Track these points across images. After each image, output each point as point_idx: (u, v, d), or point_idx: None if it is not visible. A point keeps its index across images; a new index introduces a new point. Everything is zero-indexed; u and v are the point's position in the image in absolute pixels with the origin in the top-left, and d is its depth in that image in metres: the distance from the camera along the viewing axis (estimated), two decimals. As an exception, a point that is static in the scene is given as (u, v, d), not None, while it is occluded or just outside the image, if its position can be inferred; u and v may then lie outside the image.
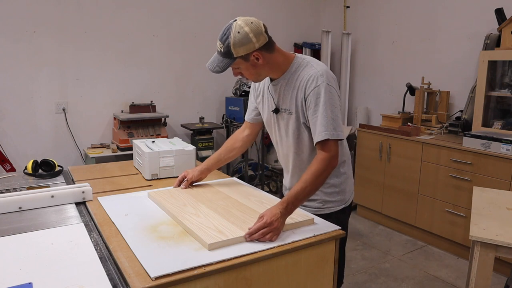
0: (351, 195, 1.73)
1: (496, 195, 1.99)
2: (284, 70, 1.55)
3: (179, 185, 1.75)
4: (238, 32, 1.39)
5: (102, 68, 3.56)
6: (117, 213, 1.48)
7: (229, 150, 1.84)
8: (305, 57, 1.57)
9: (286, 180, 1.80)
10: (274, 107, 1.62)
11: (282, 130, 1.64)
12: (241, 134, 1.85)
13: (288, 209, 1.35)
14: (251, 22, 1.41)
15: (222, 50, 1.43)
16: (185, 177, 1.77)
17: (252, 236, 1.25)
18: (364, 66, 4.44)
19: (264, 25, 1.45)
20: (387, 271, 2.90)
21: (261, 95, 1.71)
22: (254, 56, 1.44)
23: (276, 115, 1.63)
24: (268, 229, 1.26)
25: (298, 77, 1.52)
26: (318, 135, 1.46)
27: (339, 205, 1.67)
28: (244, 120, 1.87)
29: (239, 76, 1.57)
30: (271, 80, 1.61)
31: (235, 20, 1.42)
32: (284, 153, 1.70)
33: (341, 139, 1.49)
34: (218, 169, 2.49)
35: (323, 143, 1.45)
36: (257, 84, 1.71)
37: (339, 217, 1.64)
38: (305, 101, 1.50)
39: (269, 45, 1.46)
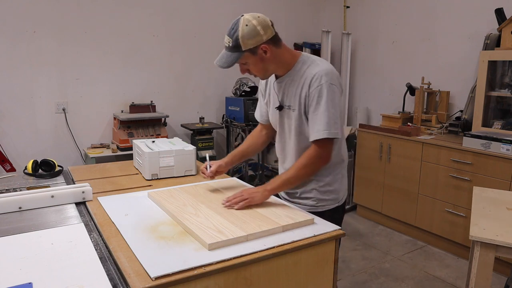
0: (345, 195, 1.75)
1: (496, 195, 1.99)
2: (290, 67, 1.58)
3: (203, 174, 1.76)
4: (246, 25, 1.44)
5: (102, 68, 3.56)
6: (117, 213, 1.48)
7: (253, 145, 1.89)
8: (311, 56, 1.61)
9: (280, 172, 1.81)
10: (278, 104, 1.64)
11: (285, 127, 1.67)
12: (260, 132, 1.90)
13: (267, 186, 1.53)
14: (258, 16, 1.47)
15: (231, 44, 1.46)
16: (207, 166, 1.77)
17: (228, 203, 1.49)
18: (364, 66, 4.44)
19: (270, 20, 1.50)
20: (387, 271, 2.89)
21: (267, 94, 1.75)
22: (262, 49, 1.47)
23: (279, 112, 1.65)
24: (241, 198, 1.49)
25: (303, 75, 1.55)
26: (317, 133, 1.50)
27: (332, 203, 1.68)
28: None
29: (246, 74, 1.60)
30: (276, 77, 1.64)
31: (242, 15, 1.48)
32: (284, 149, 1.73)
33: (338, 138, 1.54)
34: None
35: (319, 141, 1.51)
36: (265, 85, 1.76)
37: (333, 215, 1.66)
38: (308, 97, 1.53)
39: (275, 40, 1.51)
